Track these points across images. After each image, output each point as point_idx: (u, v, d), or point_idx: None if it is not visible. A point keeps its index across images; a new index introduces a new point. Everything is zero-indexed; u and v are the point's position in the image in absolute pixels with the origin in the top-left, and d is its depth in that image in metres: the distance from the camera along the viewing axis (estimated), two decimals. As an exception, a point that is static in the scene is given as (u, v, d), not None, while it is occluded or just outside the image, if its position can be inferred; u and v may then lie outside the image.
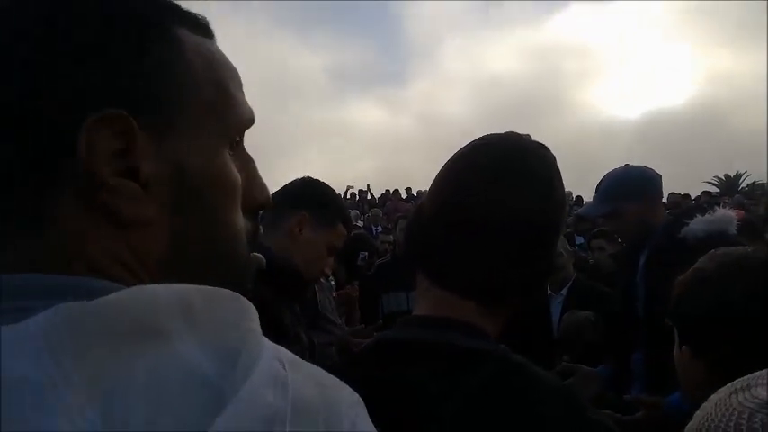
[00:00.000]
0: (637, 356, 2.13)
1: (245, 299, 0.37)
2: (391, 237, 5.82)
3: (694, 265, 0.89)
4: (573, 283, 2.95)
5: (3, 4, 0.39)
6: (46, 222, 0.37)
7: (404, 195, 14.48)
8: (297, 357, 0.39)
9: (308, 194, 1.64)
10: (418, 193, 13.79)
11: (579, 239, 7.03)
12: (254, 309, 0.37)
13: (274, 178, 1.54)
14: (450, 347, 0.68)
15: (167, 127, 0.40)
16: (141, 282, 0.38)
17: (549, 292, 2.93)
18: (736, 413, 0.52)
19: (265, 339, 0.37)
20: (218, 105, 0.43)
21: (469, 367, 0.66)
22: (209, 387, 0.31)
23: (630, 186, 2.16)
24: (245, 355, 0.34)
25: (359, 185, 15.27)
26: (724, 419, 0.53)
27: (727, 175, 27.89)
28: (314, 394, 0.36)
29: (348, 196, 14.50)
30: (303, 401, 0.35)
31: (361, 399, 0.39)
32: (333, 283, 3.13)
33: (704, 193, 13.15)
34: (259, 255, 0.51)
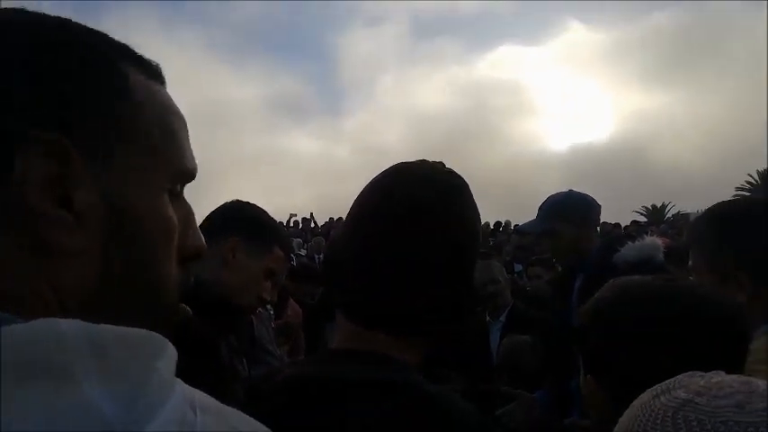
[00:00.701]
0: (575, 381, 2.17)
1: (160, 338, 0.36)
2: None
3: (595, 295, 0.91)
4: (511, 310, 3.00)
5: None
6: None
7: (348, 224, 14.40)
8: (213, 401, 0.37)
9: (239, 218, 1.54)
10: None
11: (518, 267, 7.21)
12: (172, 349, 0.36)
13: (207, 208, 1.46)
14: (354, 380, 0.68)
15: (106, 157, 0.39)
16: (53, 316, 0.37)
17: (488, 318, 2.97)
18: (661, 413, 0.58)
19: (178, 382, 0.35)
20: (162, 149, 0.43)
21: (371, 400, 0.65)
22: (108, 430, 0.30)
23: (570, 209, 2.27)
24: (150, 399, 0.32)
25: (301, 214, 15.07)
26: (651, 419, 0.58)
27: (654, 206, 29.63)
28: None
29: (291, 224, 14.33)
30: None
31: None
32: (271, 312, 3.04)
33: (633, 222, 13.86)
34: (185, 306, 0.48)
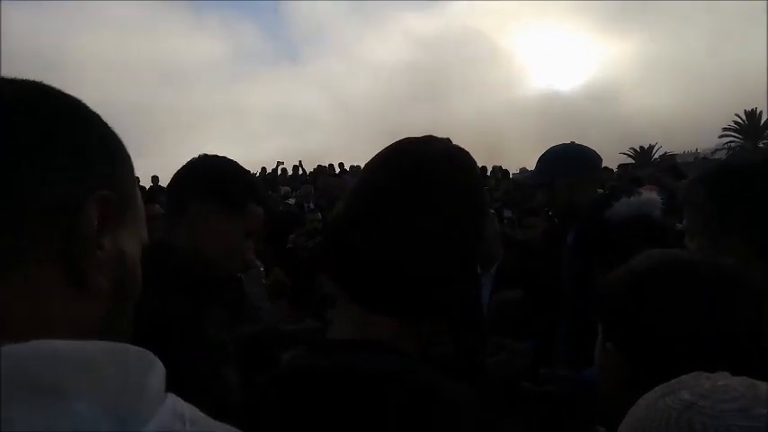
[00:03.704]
0: (560, 334, 2.20)
1: (150, 354, 0.39)
2: (320, 215, 5.74)
3: (629, 264, 0.88)
4: (502, 261, 3.00)
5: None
6: (13, 265, 0.40)
7: (337, 170, 14.31)
8: (202, 415, 0.40)
9: (208, 177, 1.34)
10: (351, 168, 13.69)
11: (508, 212, 7.20)
12: (160, 364, 0.39)
13: (174, 165, 1.33)
14: (357, 374, 0.66)
15: (123, 216, 0.48)
16: None
17: (479, 270, 2.97)
18: (665, 415, 0.59)
19: (169, 395, 0.38)
20: (141, 209, 0.53)
21: (374, 395, 0.64)
22: None
23: (568, 161, 2.22)
24: (139, 413, 0.35)
25: (270, 165, 14.64)
26: (656, 421, 0.59)
27: (641, 147, 29.65)
28: None
29: (279, 172, 14.18)
30: None
31: None
32: (262, 269, 3.01)
33: (620, 165, 13.84)
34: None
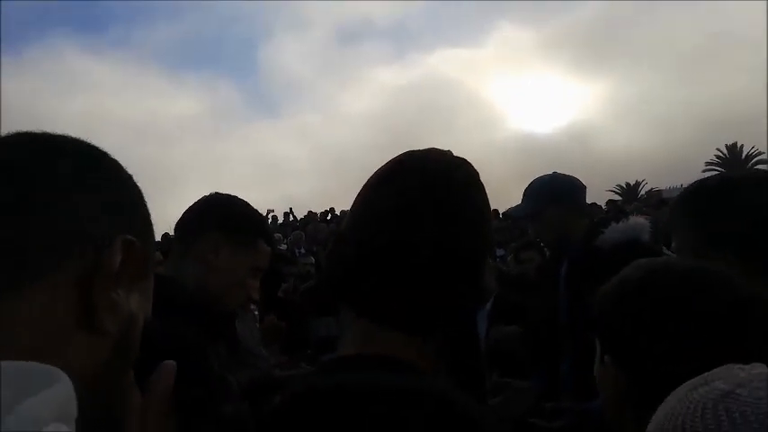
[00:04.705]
0: (564, 366, 2.17)
1: (49, 373, 0.36)
2: (312, 259, 5.72)
3: (618, 275, 0.88)
4: (496, 297, 2.99)
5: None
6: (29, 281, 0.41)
7: (328, 217, 14.32)
8: None
9: (220, 212, 1.39)
10: (341, 213, 13.71)
11: (500, 251, 7.21)
12: (61, 387, 0.36)
13: (156, 218, 1.33)
14: (383, 391, 0.62)
15: (139, 281, 0.48)
16: None
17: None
18: (700, 405, 0.56)
19: (55, 425, 0.34)
20: (151, 286, 0.53)
21: (404, 412, 0.60)
22: None
23: (554, 191, 2.24)
24: None
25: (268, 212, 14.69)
26: (690, 412, 0.56)
27: (627, 183, 30.08)
28: None
29: (270, 219, 14.18)
30: None
31: None
32: (256, 313, 2.97)
33: (609, 201, 14.01)
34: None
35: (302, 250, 8.79)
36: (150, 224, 0.53)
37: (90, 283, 0.43)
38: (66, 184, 0.45)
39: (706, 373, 0.60)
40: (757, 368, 0.59)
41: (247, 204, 1.45)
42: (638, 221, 2.02)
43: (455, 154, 0.76)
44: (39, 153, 0.46)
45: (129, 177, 0.52)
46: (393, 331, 0.68)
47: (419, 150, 0.76)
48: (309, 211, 14.88)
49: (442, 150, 0.76)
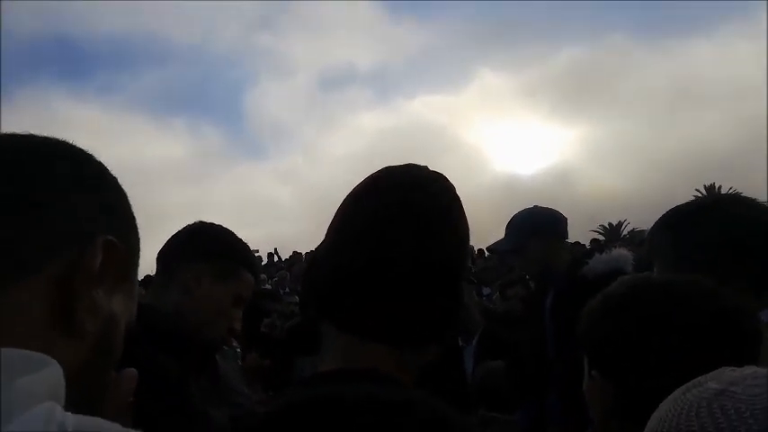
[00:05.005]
0: (550, 399, 2.14)
1: (38, 358, 0.37)
2: (297, 298, 5.67)
3: (603, 291, 0.89)
4: (482, 333, 2.97)
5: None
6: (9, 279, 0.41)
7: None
8: (93, 423, 0.38)
9: (203, 241, 1.36)
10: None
11: (486, 290, 7.21)
12: (51, 370, 0.37)
13: (151, 257, 1.33)
14: (369, 401, 0.60)
15: (122, 282, 0.47)
16: None
17: (460, 343, 2.92)
18: (695, 405, 0.56)
19: (49, 404, 0.35)
20: (136, 287, 0.53)
21: (396, 419, 0.58)
22: None
23: (536, 224, 2.26)
24: None
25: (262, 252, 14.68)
26: (684, 412, 0.56)
27: (610, 224, 30.45)
28: None
29: (254, 260, 14.04)
30: None
31: None
32: (239, 350, 2.91)
33: (593, 240, 14.17)
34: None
35: (287, 290, 8.70)
36: (135, 226, 0.52)
37: (70, 283, 0.42)
38: (66, 184, 0.46)
39: (697, 378, 0.60)
40: (748, 369, 0.59)
41: (231, 233, 1.43)
42: (622, 253, 2.05)
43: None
44: (37, 153, 0.46)
45: (115, 179, 0.52)
46: (375, 345, 0.68)
47: (396, 166, 0.76)
48: (294, 252, 14.79)
49: (420, 165, 0.77)
